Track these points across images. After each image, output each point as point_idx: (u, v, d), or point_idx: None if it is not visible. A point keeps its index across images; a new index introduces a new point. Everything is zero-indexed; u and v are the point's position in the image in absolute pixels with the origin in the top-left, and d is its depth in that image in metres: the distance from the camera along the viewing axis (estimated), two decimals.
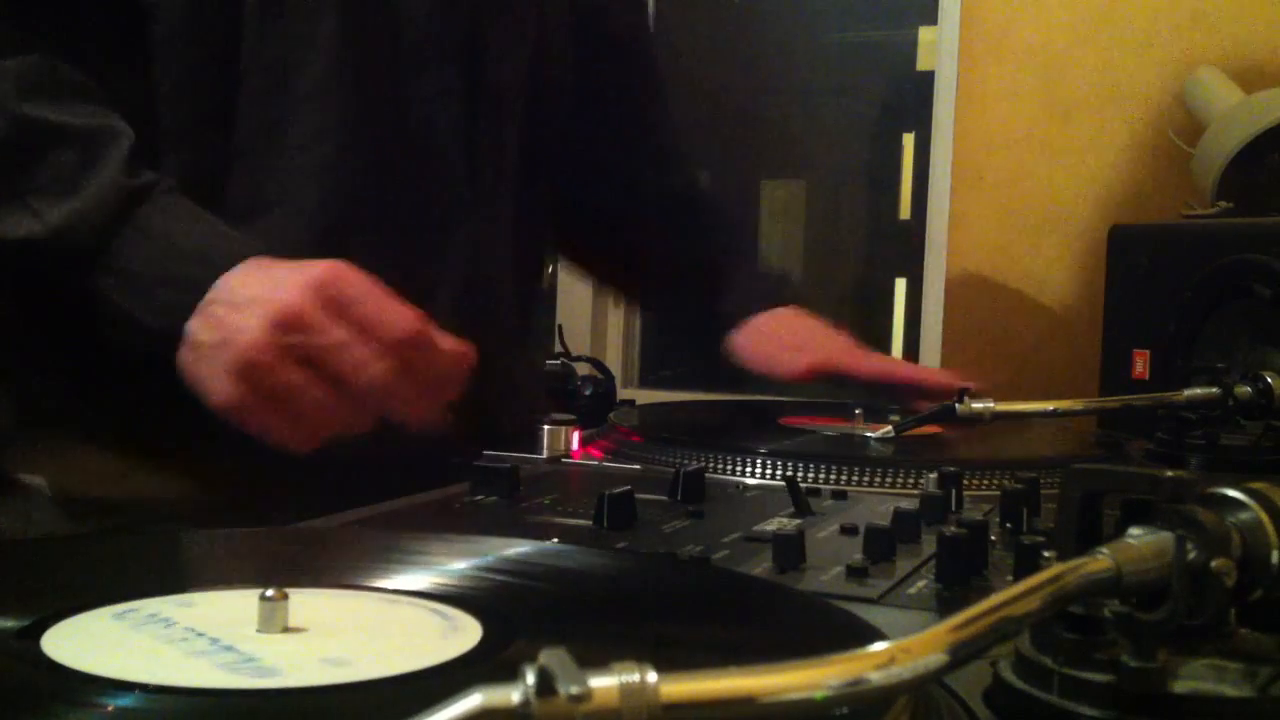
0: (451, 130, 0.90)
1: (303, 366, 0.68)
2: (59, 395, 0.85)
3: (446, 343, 0.71)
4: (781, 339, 1.13)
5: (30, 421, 0.85)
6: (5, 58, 0.75)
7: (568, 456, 0.81)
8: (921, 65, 2.73)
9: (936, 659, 0.27)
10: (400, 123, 0.88)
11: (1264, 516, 0.34)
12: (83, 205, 0.74)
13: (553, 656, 0.23)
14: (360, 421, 0.70)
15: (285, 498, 0.69)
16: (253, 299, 0.70)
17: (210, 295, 0.71)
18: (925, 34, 2.70)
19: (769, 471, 0.76)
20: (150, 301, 0.73)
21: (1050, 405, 0.87)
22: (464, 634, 0.38)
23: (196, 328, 0.71)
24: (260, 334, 0.68)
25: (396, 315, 0.69)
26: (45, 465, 0.83)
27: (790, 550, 0.53)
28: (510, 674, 0.23)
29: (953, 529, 0.51)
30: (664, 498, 0.66)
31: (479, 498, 0.68)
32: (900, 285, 2.94)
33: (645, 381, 2.80)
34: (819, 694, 0.25)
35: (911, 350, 2.58)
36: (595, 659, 0.23)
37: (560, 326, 2.29)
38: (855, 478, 0.74)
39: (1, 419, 0.86)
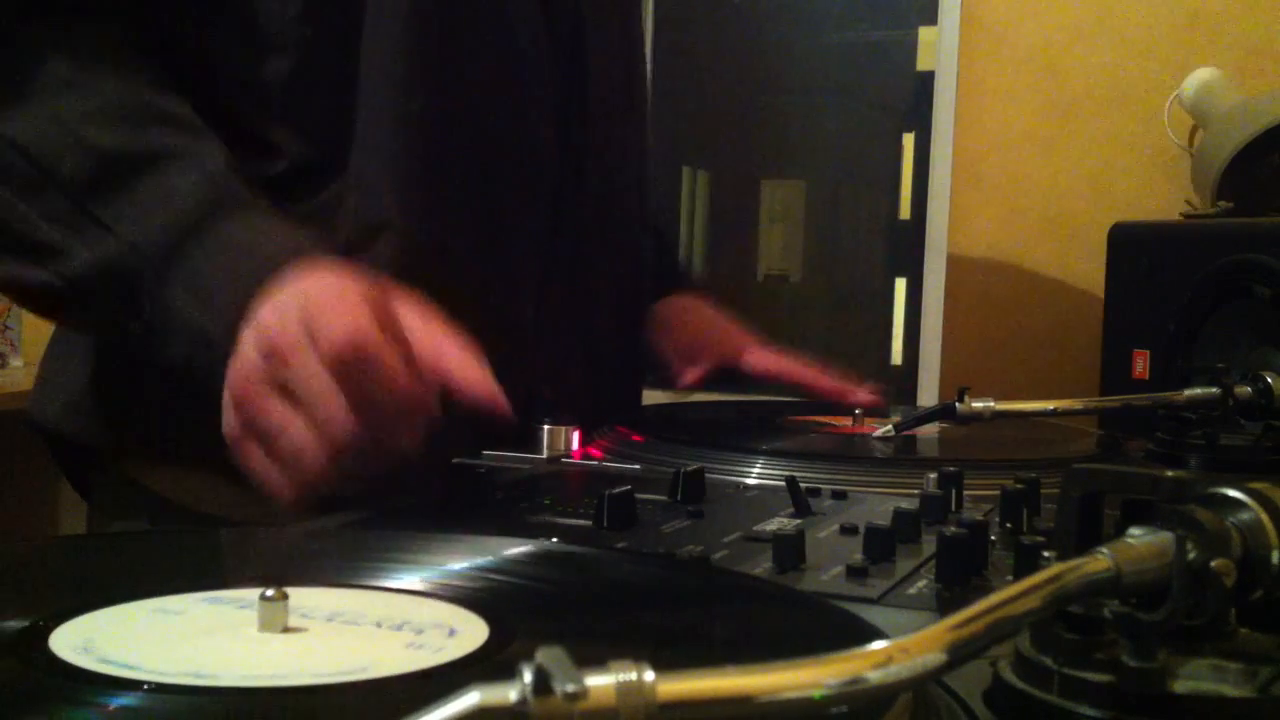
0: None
1: (284, 399, 0.63)
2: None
3: (398, 356, 0.63)
4: (681, 334, 1.10)
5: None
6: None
7: (568, 456, 0.81)
8: (921, 65, 2.73)
9: (934, 658, 0.27)
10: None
11: (1264, 516, 0.34)
12: (165, 219, 0.70)
13: (549, 655, 0.23)
14: (340, 465, 0.63)
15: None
16: (261, 318, 0.64)
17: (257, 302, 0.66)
18: (925, 34, 2.70)
19: (769, 471, 0.76)
20: (212, 306, 0.68)
21: (1050, 405, 0.87)
22: (468, 634, 0.38)
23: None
24: (246, 359, 0.63)
25: (337, 324, 0.61)
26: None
27: (790, 550, 0.53)
28: (508, 673, 0.23)
29: (953, 529, 0.51)
30: (664, 498, 0.66)
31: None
32: (900, 285, 2.94)
33: (645, 381, 2.79)
34: (817, 693, 0.25)
35: (911, 350, 2.58)
36: (594, 658, 0.23)
37: None
38: (855, 478, 0.74)
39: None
